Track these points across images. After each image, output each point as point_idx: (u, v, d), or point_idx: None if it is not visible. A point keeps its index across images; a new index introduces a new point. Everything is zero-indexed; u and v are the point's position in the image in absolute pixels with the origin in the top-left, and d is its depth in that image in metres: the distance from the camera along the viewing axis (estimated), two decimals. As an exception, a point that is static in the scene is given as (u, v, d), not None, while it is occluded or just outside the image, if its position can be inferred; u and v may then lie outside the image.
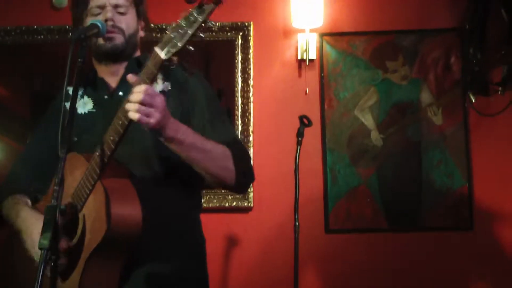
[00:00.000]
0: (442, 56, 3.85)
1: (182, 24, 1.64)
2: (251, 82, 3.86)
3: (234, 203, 3.73)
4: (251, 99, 3.84)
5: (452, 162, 3.74)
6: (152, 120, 1.73)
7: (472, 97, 3.76)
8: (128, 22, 2.14)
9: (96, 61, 2.21)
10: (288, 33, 3.94)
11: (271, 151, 3.81)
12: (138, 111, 1.71)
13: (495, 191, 3.71)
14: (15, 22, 4.01)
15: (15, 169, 2.32)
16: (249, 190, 3.69)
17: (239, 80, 3.86)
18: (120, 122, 1.79)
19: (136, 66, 2.11)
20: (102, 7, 2.11)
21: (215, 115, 2.13)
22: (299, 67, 3.89)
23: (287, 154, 3.45)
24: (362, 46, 3.92)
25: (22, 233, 2.04)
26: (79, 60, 1.79)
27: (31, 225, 2.01)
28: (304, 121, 3.21)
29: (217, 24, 3.80)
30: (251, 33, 3.92)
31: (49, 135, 2.16)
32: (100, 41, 2.09)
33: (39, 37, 3.99)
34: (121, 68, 2.16)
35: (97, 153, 1.85)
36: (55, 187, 1.65)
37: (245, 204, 3.74)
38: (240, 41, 3.90)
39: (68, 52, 1.78)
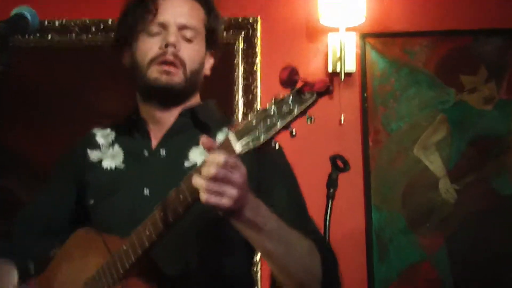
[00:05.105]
0: (545, 69, 3.51)
1: (271, 112, 1.40)
2: (257, 106, 3.46)
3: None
4: (259, 131, 3.30)
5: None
6: (225, 201, 1.49)
7: None
8: (193, 54, 1.99)
9: (140, 97, 2.03)
10: (313, 33, 3.46)
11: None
12: (207, 189, 1.50)
13: None
14: None
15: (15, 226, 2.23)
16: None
17: (240, 102, 3.42)
18: (171, 207, 1.62)
19: (191, 120, 1.99)
20: (165, 26, 1.95)
21: (297, 198, 1.96)
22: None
23: (312, 213, 3.00)
24: (424, 53, 3.45)
25: None
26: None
27: None
28: (338, 164, 2.66)
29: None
30: (258, 34, 3.46)
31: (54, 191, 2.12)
32: (153, 72, 1.92)
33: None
34: (171, 117, 2.02)
35: (124, 247, 1.72)
36: None
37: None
38: (241, 45, 3.45)
39: None
